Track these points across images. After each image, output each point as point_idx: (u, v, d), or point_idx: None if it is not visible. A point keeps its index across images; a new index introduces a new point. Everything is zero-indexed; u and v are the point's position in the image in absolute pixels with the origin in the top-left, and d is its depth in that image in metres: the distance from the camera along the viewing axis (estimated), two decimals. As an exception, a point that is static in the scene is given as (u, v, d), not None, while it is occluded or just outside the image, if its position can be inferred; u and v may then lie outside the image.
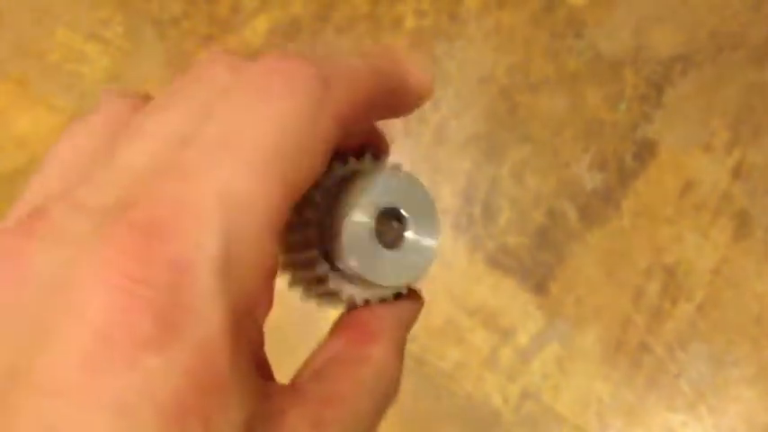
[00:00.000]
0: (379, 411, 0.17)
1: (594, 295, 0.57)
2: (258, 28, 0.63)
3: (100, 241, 0.13)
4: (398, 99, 0.18)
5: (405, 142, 0.60)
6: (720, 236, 0.58)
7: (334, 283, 0.19)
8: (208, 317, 0.13)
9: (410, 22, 0.63)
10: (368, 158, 0.20)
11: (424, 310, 0.21)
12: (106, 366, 0.12)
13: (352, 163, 0.19)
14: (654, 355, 0.56)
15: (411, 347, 0.55)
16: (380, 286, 0.19)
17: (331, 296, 0.20)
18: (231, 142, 0.14)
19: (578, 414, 0.55)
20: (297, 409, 0.15)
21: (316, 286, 0.20)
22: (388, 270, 0.19)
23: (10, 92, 0.63)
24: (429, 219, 0.20)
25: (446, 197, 0.59)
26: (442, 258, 0.58)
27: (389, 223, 0.20)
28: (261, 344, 0.16)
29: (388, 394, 0.18)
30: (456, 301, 0.57)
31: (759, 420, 0.54)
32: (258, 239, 0.14)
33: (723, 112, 0.60)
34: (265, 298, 0.15)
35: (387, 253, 0.19)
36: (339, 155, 0.19)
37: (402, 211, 0.20)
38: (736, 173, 0.59)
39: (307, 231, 0.19)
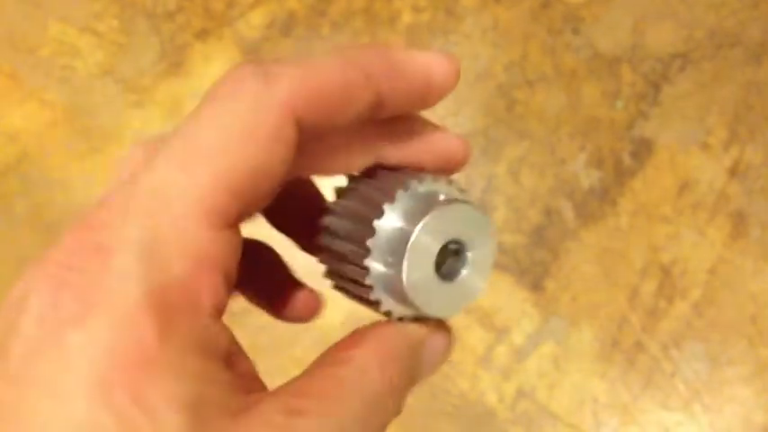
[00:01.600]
0: (366, 418, 0.17)
1: (590, 294, 0.57)
2: (254, 22, 0.63)
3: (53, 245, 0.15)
4: (406, 91, 0.18)
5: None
6: (717, 235, 0.57)
7: (375, 294, 0.19)
8: (125, 295, 0.14)
9: (407, 18, 0.63)
10: (443, 180, 0.20)
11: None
12: (41, 347, 0.14)
13: (428, 182, 0.20)
14: (649, 354, 0.55)
15: (406, 345, 0.54)
16: (415, 308, 0.19)
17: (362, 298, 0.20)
18: (172, 145, 0.16)
19: (573, 412, 0.55)
20: (271, 399, 0.16)
21: (353, 286, 0.20)
22: (433, 298, 0.19)
23: (2, 86, 0.62)
24: (486, 262, 0.20)
25: (442, 194, 0.59)
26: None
27: (449, 255, 0.20)
28: (217, 335, 0.16)
29: (376, 402, 0.17)
30: (451, 298, 0.57)
31: (754, 419, 0.54)
32: (186, 226, 0.15)
33: (721, 111, 0.60)
34: (207, 285, 0.15)
35: (437, 282, 0.19)
36: (411, 171, 0.20)
37: (466, 247, 0.20)
38: (734, 172, 0.59)
39: (361, 229, 0.19)
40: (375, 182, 0.20)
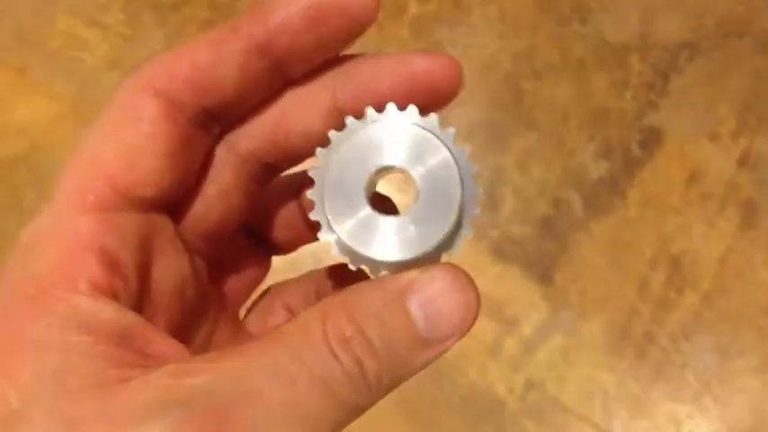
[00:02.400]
0: (287, 372, 0.15)
1: (599, 285, 0.56)
2: (260, 14, 0.63)
3: None
4: (297, 27, 0.17)
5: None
6: (727, 225, 0.57)
7: (335, 250, 0.17)
8: (6, 289, 0.16)
9: (413, 8, 0.63)
10: (392, 111, 0.17)
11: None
12: None
13: (374, 116, 0.17)
14: (659, 346, 0.55)
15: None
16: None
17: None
18: None
19: (583, 404, 0.54)
20: (164, 367, 0.15)
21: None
22: (375, 238, 0.16)
23: (10, 79, 0.62)
24: (446, 191, 0.17)
25: (450, 186, 0.59)
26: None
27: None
28: (95, 311, 0.16)
29: (309, 355, 0.15)
30: (460, 290, 0.57)
31: (765, 410, 0.54)
32: (58, 215, 0.17)
33: (730, 100, 0.59)
34: (79, 266, 0.16)
35: (375, 218, 0.17)
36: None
37: (414, 176, 0.17)
38: (743, 161, 0.58)
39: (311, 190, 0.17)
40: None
